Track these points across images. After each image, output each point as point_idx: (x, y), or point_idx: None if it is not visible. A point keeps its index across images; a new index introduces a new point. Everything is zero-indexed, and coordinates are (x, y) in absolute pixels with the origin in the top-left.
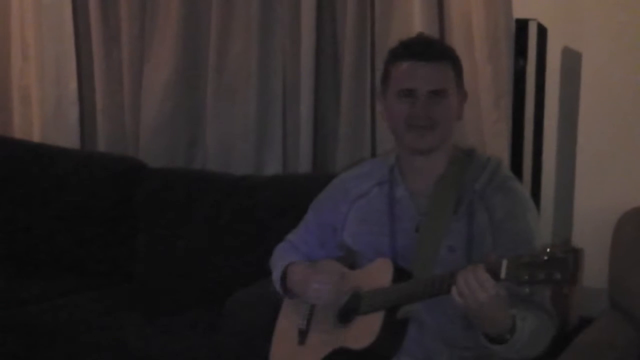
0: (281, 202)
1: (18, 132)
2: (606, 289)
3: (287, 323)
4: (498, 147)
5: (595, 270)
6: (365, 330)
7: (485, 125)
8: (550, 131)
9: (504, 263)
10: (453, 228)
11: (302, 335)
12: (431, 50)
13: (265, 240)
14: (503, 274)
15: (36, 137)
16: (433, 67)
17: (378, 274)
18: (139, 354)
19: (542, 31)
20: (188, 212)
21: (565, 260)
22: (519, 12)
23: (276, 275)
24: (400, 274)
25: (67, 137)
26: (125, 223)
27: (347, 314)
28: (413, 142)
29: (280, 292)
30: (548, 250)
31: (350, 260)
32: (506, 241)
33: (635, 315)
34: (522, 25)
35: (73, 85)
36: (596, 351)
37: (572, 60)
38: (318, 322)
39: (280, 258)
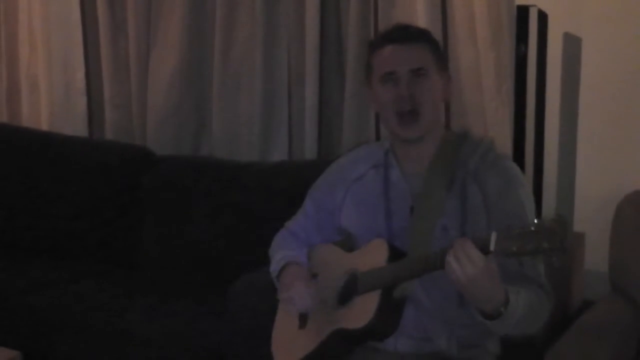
0: (287, 188)
1: (26, 120)
2: (607, 272)
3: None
4: (500, 132)
5: (596, 254)
6: (362, 311)
7: (487, 111)
8: (552, 116)
9: (493, 236)
10: (447, 207)
11: (303, 319)
12: (407, 33)
13: (271, 227)
14: (492, 247)
15: (44, 125)
16: (410, 48)
17: (374, 254)
18: (145, 339)
19: (542, 17)
20: (195, 199)
21: (553, 230)
22: None
23: (274, 268)
24: (396, 253)
25: (74, 125)
26: (133, 210)
27: (345, 295)
28: (402, 132)
29: (276, 285)
30: (536, 221)
31: (349, 244)
32: (499, 218)
33: (636, 298)
34: (523, 12)
35: (80, 74)
36: (598, 332)
37: (572, 46)
38: (318, 306)
39: (278, 248)
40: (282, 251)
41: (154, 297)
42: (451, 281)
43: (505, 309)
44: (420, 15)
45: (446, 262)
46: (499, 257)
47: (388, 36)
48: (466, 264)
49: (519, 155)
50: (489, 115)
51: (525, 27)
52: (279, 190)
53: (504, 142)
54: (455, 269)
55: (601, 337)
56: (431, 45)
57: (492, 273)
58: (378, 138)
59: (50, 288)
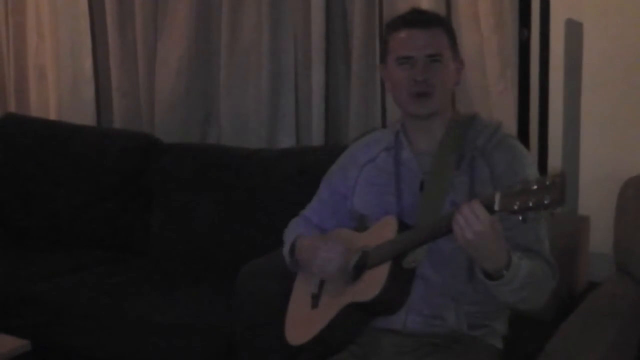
0: (294, 174)
1: (34, 110)
2: (612, 254)
3: (301, 290)
4: (505, 115)
5: (601, 236)
6: (372, 282)
7: (491, 95)
8: (555, 100)
9: (498, 195)
10: (456, 183)
11: (315, 299)
12: (425, 18)
13: (279, 212)
14: (497, 206)
15: (52, 114)
16: (428, 33)
17: (383, 231)
18: (154, 327)
19: (544, 3)
20: (202, 187)
21: (553, 185)
22: None
23: (286, 248)
24: (405, 228)
25: (83, 114)
26: (141, 198)
27: (357, 272)
28: (414, 109)
29: (290, 266)
30: (537, 179)
31: (362, 229)
32: None
33: None
34: None
35: (88, 63)
36: (604, 313)
37: (574, 31)
38: (330, 286)
39: (292, 231)
40: (293, 234)
41: (163, 284)
42: (459, 241)
43: (507, 271)
44: (425, 1)
45: (454, 221)
46: (502, 215)
47: (407, 19)
48: (473, 220)
49: (523, 138)
50: (493, 99)
51: (528, 13)
52: (287, 176)
53: (509, 125)
54: (462, 225)
55: (607, 318)
56: (447, 32)
57: (497, 230)
58: (384, 123)
59: (59, 276)
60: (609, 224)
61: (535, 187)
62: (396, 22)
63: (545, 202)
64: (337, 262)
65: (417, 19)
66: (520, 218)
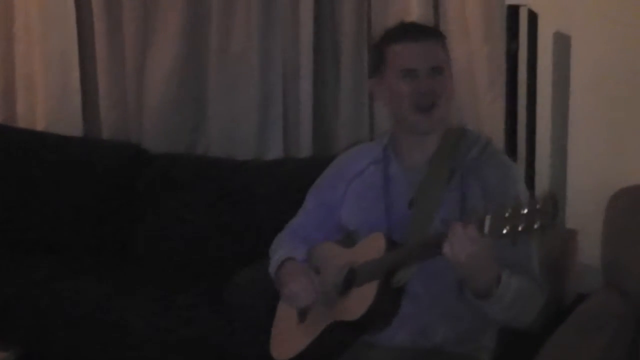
0: (283, 185)
1: (22, 120)
2: (600, 266)
3: (287, 304)
4: (493, 127)
5: (589, 248)
6: (359, 301)
7: (481, 105)
8: (543, 113)
9: (488, 218)
10: (446, 200)
11: (302, 314)
12: (425, 31)
13: (267, 223)
14: (487, 229)
15: (40, 124)
16: (429, 45)
17: (372, 247)
18: (143, 336)
19: (532, 17)
20: (191, 197)
21: (544, 209)
22: None
23: (272, 268)
24: (393, 246)
25: (70, 124)
26: (129, 208)
27: (344, 289)
28: (418, 123)
29: (275, 285)
30: (528, 202)
31: (349, 241)
32: None
33: (628, 291)
34: (513, 11)
35: (76, 72)
36: (592, 326)
37: (562, 44)
38: (317, 300)
39: (279, 247)
40: (281, 250)
41: (152, 294)
42: (450, 261)
43: (497, 290)
44: (414, 10)
45: (446, 242)
46: (493, 238)
47: (406, 32)
48: (467, 242)
49: (511, 150)
50: (483, 110)
51: (516, 26)
52: (275, 187)
53: (497, 137)
54: (456, 248)
55: (595, 330)
56: (443, 44)
57: (488, 250)
58: (372, 133)
59: (48, 285)
60: (597, 236)
61: (525, 210)
62: (394, 34)
63: (535, 226)
64: (304, 300)
65: (416, 31)
66: (511, 241)
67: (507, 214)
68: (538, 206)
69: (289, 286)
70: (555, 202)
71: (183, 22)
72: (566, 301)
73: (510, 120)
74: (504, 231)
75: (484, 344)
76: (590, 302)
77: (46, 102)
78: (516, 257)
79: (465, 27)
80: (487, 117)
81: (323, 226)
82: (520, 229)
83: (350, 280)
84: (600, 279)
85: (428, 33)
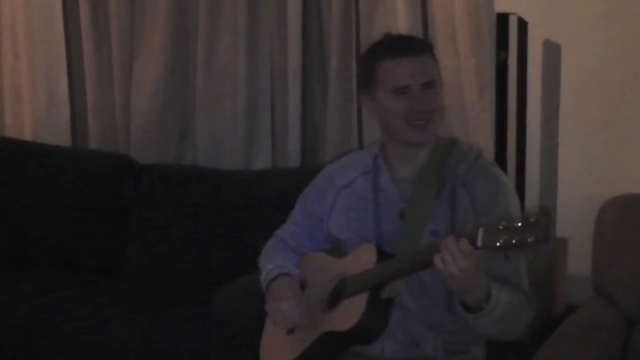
0: (271, 196)
1: (9, 130)
2: (590, 276)
3: None
4: (482, 137)
5: (579, 259)
6: (350, 312)
7: (469, 115)
8: (533, 122)
9: (481, 231)
10: (436, 212)
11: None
12: (414, 44)
13: (256, 234)
14: (479, 242)
15: (27, 135)
16: (420, 60)
17: (362, 259)
18: (129, 349)
19: (522, 25)
20: (178, 208)
21: (538, 224)
22: (499, 7)
23: (264, 280)
24: (384, 258)
25: (58, 135)
26: (117, 220)
27: (334, 300)
28: (412, 137)
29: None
30: (522, 216)
31: (338, 251)
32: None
33: (618, 301)
34: (503, 19)
35: (64, 83)
36: (581, 336)
37: (552, 52)
38: (306, 311)
39: (269, 257)
40: (273, 261)
41: (139, 305)
42: (442, 274)
43: (487, 304)
44: (401, 22)
45: (438, 256)
46: (485, 251)
47: (396, 48)
48: (459, 256)
49: (501, 160)
50: (471, 120)
51: (505, 35)
52: (262, 199)
53: (486, 147)
54: (448, 261)
55: (585, 341)
56: (434, 55)
57: (478, 266)
58: (361, 144)
59: (33, 298)
60: (587, 246)
61: (519, 224)
62: (383, 50)
63: (529, 240)
64: (288, 321)
65: (406, 47)
66: (503, 255)
67: (500, 227)
68: (532, 220)
69: (280, 304)
70: (549, 217)
71: (170, 33)
72: (556, 311)
73: (500, 130)
74: (498, 244)
75: (474, 354)
76: (579, 313)
77: (34, 112)
78: (505, 270)
79: (453, 36)
80: (476, 128)
81: (312, 236)
82: (514, 242)
83: (340, 291)
84: (590, 290)
85: (418, 47)
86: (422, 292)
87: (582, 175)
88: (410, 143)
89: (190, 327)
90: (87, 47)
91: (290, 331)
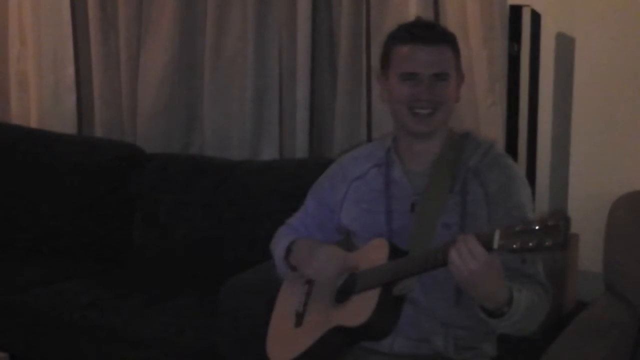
0: (278, 187)
1: (15, 117)
2: (601, 273)
3: (284, 306)
4: (493, 130)
5: (590, 255)
6: (361, 308)
7: (480, 109)
8: (544, 116)
9: (497, 233)
10: (449, 205)
11: (299, 317)
12: (432, 33)
13: (263, 225)
14: (496, 244)
15: (33, 122)
16: (435, 50)
17: (374, 254)
18: (136, 339)
19: (535, 17)
20: (185, 198)
21: (556, 228)
22: None
23: (280, 252)
24: (396, 252)
25: (64, 122)
26: (123, 208)
27: (344, 294)
28: (414, 126)
29: (282, 270)
30: (540, 219)
31: (349, 244)
32: (500, 215)
33: (630, 298)
34: (516, 12)
35: (70, 70)
36: (593, 333)
37: (565, 46)
38: (315, 304)
39: (283, 238)
40: (285, 240)
41: (146, 296)
42: (454, 276)
43: (509, 308)
44: (412, 12)
45: (449, 257)
46: (501, 254)
47: (413, 33)
48: (469, 258)
49: (511, 153)
50: (482, 113)
51: (518, 27)
52: (270, 189)
53: (497, 139)
54: (458, 263)
55: (596, 338)
56: (453, 47)
57: (496, 269)
58: (370, 135)
59: (40, 287)
60: (598, 242)
61: (536, 227)
62: (401, 34)
63: (547, 244)
64: (334, 266)
65: (424, 34)
66: (520, 258)
67: (517, 229)
68: (550, 223)
69: (312, 263)
70: (567, 220)
71: (178, 22)
72: (567, 307)
73: (511, 123)
74: (514, 246)
75: (485, 350)
76: (591, 310)
77: (40, 100)
78: (524, 263)
79: (465, 28)
80: (487, 121)
81: (323, 227)
82: (530, 245)
83: (350, 286)
84: (601, 287)
85: (436, 36)
86: (433, 287)
87: (593, 171)
88: (412, 132)
89: (198, 318)
90: (95, 34)
91: (298, 323)
